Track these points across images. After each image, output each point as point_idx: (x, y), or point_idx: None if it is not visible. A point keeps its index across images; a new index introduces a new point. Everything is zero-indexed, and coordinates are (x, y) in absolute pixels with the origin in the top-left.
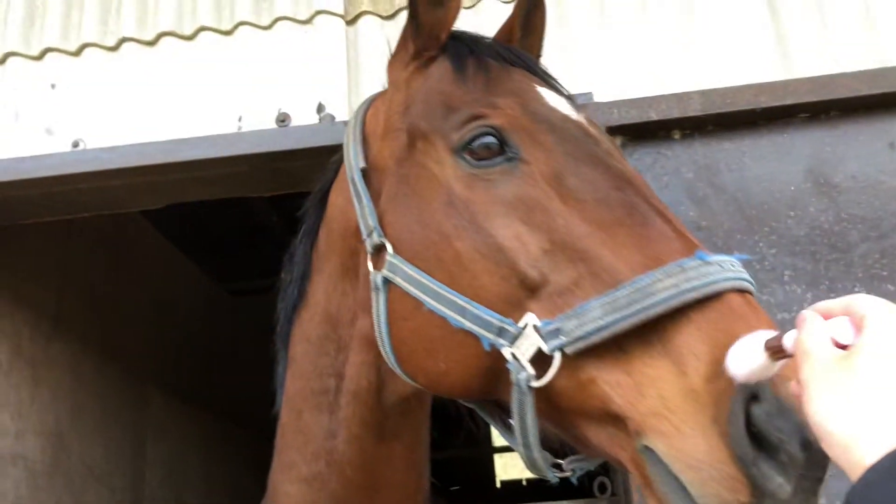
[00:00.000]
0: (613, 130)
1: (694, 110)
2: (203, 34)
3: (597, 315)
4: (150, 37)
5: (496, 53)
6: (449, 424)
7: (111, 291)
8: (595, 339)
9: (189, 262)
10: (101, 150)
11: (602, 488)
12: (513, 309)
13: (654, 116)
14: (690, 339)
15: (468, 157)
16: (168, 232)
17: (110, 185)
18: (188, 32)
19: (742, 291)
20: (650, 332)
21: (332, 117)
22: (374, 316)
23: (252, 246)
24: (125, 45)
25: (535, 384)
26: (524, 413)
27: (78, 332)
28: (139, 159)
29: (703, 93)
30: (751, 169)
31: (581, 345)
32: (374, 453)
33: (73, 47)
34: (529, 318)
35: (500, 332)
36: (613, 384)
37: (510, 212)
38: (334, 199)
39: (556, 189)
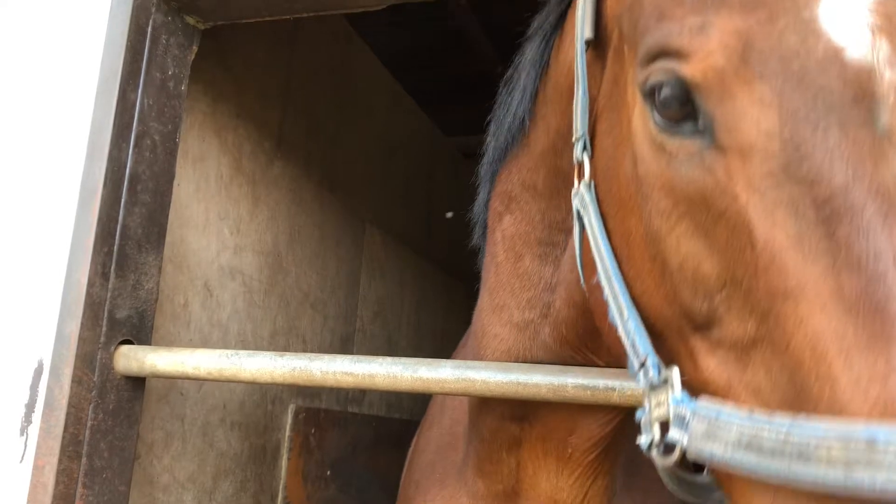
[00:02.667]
0: None
1: None
2: None
3: (729, 436)
4: None
5: None
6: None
7: (335, 123)
8: (712, 463)
9: (417, 108)
10: None
11: None
12: (672, 335)
13: None
14: None
15: (655, 110)
16: (397, 74)
17: None
18: None
19: None
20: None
21: None
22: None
23: (478, 100)
24: None
25: (655, 457)
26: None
27: (300, 158)
28: None
29: None
30: None
31: (697, 458)
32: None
33: None
34: (674, 374)
35: (642, 367)
36: None
37: (688, 213)
38: (560, 53)
39: (763, 199)
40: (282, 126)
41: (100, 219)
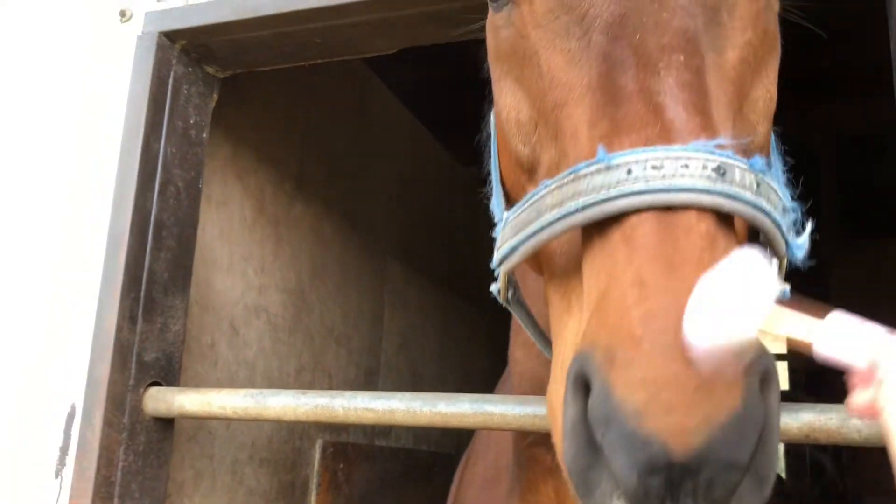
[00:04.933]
0: None
1: None
2: None
3: (506, 234)
4: None
5: None
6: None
7: (354, 161)
8: (504, 267)
9: (434, 140)
10: None
11: None
12: (519, 193)
13: None
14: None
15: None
16: (413, 108)
17: (340, 23)
18: None
19: (667, 208)
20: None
21: None
22: None
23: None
24: None
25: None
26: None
27: (320, 197)
28: None
29: None
30: None
31: (501, 260)
32: None
33: None
34: (507, 213)
35: (497, 225)
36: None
37: (509, 71)
38: None
39: (545, 31)
40: (302, 166)
41: (127, 265)
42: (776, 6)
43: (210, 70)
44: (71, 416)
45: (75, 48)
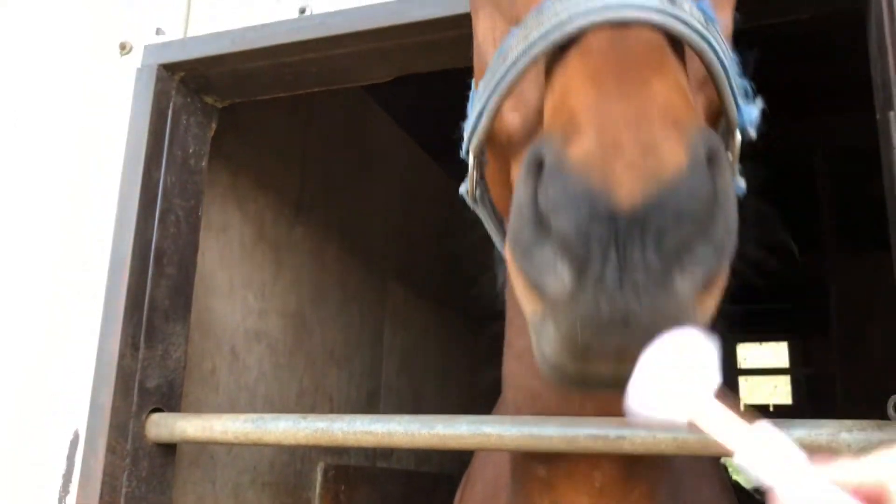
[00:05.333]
0: None
1: None
2: None
3: (476, 107)
4: None
5: None
6: None
7: (353, 184)
8: (473, 142)
9: (432, 161)
10: (327, 15)
11: None
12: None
13: None
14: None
15: None
16: (412, 131)
17: (337, 53)
18: None
19: (622, 24)
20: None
21: None
22: None
23: None
24: None
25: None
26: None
27: (320, 221)
28: (365, 23)
29: None
30: None
31: (469, 147)
32: None
33: None
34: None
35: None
36: None
37: (483, 5)
38: None
39: None
40: (302, 191)
41: (128, 293)
42: None
43: (209, 100)
44: (74, 443)
45: (76, 80)
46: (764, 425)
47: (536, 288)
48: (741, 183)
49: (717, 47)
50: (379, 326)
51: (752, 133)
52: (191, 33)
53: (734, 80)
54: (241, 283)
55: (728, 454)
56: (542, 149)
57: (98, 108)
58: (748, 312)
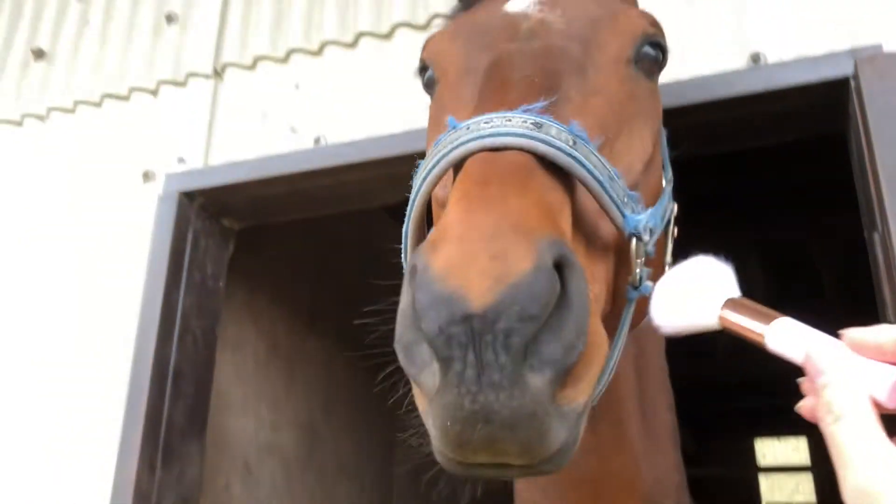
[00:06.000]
0: None
1: None
2: (436, 21)
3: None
4: (385, 29)
5: None
6: (706, 437)
7: (365, 292)
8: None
9: None
10: (341, 146)
11: None
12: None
13: None
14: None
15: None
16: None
17: (349, 179)
18: (422, 22)
19: (494, 150)
20: None
21: None
22: None
23: None
24: (362, 40)
25: None
26: None
27: (332, 331)
28: (376, 152)
29: None
30: None
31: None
32: None
33: (314, 46)
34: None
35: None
36: None
37: (433, 136)
38: None
39: (453, 96)
40: (314, 303)
41: (147, 415)
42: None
43: (226, 223)
44: None
45: (102, 205)
46: (788, 319)
47: (418, 385)
48: (649, 286)
49: (587, 163)
50: (389, 435)
51: (647, 237)
52: (211, 161)
53: (612, 191)
54: (254, 397)
55: (760, 342)
56: (416, 258)
57: (121, 232)
58: (766, 407)
